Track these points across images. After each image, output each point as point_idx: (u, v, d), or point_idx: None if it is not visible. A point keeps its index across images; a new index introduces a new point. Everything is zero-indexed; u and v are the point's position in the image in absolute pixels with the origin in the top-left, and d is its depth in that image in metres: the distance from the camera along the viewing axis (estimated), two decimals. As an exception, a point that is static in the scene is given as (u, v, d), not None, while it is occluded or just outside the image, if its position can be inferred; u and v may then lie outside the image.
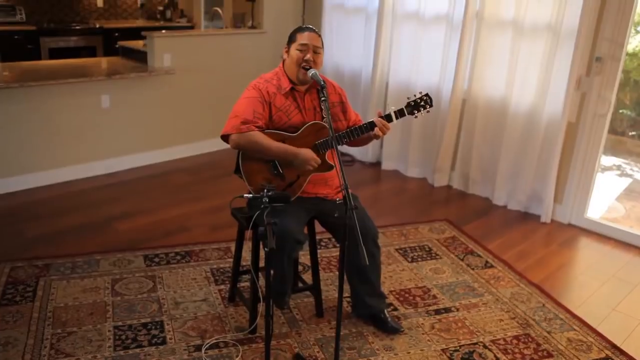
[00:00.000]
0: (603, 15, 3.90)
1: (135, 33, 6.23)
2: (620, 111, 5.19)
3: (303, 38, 2.53)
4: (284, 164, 2.55)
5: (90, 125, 4.74)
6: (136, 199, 4.44)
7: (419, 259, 3.68)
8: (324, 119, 2.61)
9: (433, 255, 3.75)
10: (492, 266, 3.63)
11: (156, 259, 3.50)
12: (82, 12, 7.21)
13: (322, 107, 2.38)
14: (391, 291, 3.27)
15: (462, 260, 3.70)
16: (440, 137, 4.97)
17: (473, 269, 3.58)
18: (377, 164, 5.57)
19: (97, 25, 6.95)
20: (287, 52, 2.60)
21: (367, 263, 2.04)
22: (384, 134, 2.59)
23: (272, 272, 2.54)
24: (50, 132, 4.51)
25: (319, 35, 2.59)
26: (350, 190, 2.08)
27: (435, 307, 3.14)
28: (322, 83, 2.38)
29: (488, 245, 3.93)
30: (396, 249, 3.80)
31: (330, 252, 3.71)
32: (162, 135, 5.24)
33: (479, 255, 3.77)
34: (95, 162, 4.84)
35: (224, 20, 6.21)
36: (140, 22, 7.51)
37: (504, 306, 3.17)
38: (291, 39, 2.59)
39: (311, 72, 2.47)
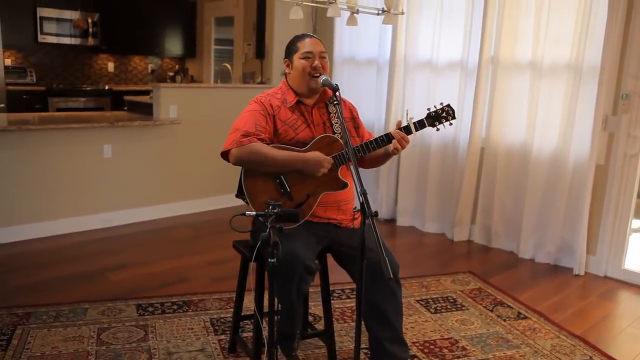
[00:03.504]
0: (626, 50, 3.73)
1: (143, 95, 6.18)
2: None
3: (305, 46, 2.34)
4: (293, 181, 2.27)
5: (90, 176, 4.52)
6: (133, 251, 4.13)
7: (443, 310, 3.29)
8: (336, 134, 2.36)
9: (458, 306, 3.36)
10: (525, 317, 3.23)
11: (150, 308, 3.14)
12: (92, 76, 7.25)
13: (336, 109, 2.14)
14: (414, 342, 2.87)
15: (492, 311, 3.30)
16: (459, 188, 4.69)
17: (505, 320, 3.18)
18: (391, 221, 5.25)
19: (106, 87, 6.95)
20: (289, 65, 2.39)
21: (391, 276, 1.71)
22: (402, 148, 2.32)
23: (276, 317, 2.20)
24: (47, 182, 4.29)
25: (321, 40, 2.40)
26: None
27: (465, 359, 2.72)
28: (335, 86, 2.15)
29: (518, 297, 3.54)
30: (417, 300, 3.42)
31: (344, 303, 3.34)
32: (165, 190, 5.00)
33: (509, 307, 3.37)
34: (93, 215, 4.57)
35: (233, 78, 6.16)
36: (150, 87, 7.52)
37: (545, 359, 2.75)
38: (291, 50, 2.38)
39: (322, 77, 2.25)
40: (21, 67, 6.55)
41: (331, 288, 2.73)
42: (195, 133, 5.08)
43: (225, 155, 2.32)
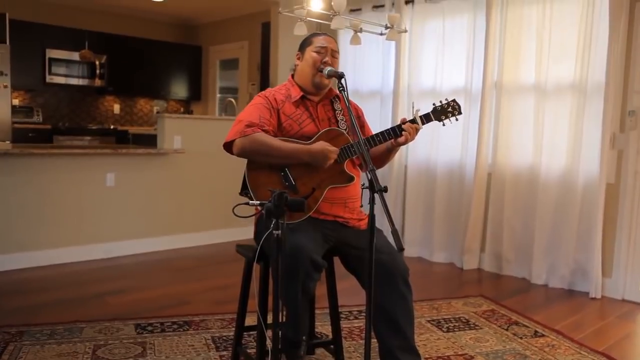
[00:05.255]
0: (630, 67, 3.74)
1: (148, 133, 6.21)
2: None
3: (320, 41, 2.33)
4: (297, 173, 2.21)
5: (92, 204, 4.46)
6: (133, 278, 4.02)
7: (456, 329, 3.14)
8: (342, 129, 2.32)
9: (472, 325, 3.21)
10: (543, 335, 3.07)
11: (149, 327, 3.01)
12: (98, 117, 7.32)
13: (343, 97, 2.09)
14: (427, 358, 2.72)
15: (507, 330, 3.15)
16: (467, 216, 4.60)
17: (521, 338, 3.02)
18: (398, 252, 5.12)
19: (112, 127, 7.00)
20: (300, 58, 2.38)
21: (403, 246, 1.61)
22: (411, 138, 2.27)
23: (280, 329, 2.08)
24: (48, 209, 4.23)
25: (336, 41, 2.39)
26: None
27: (482, 372, 2.57)
28: (341, 73, 2.12)
29: (533, 317, 3.38)
30: (428, 320, 3.27)
31: (351, 323, 3.20)
32: (168, 221, 4.92)
33: (525, 326, 3.22)
34: (94, 245, 4.48)
35: (238, 112, 6.20)
36: (154, 127, 7.58)
37: (567, 372, 2.59)
38: (305, 44, 2.38)
39: (327, 69, 2.22)
40: (28, 106, 6.62)
41: (339, 310, 2.63)
42: (199, 164, 5.06)
43: (228, 147, 2.27)
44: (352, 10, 5.30)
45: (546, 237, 4.15)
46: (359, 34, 3.52)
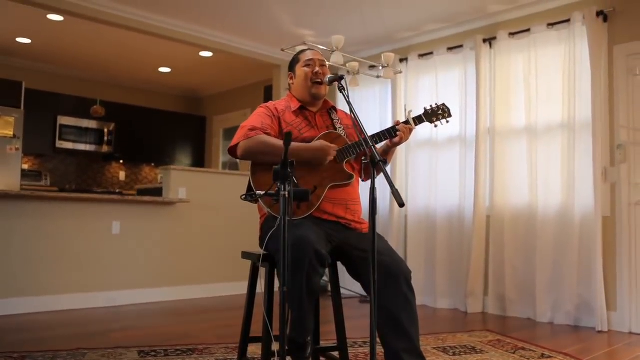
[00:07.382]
0: (614, 103, 3.94)
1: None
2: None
3: (307, 55, 2.51)
4: (299, 173, 2.31)
5: (97, 252, 4.51)
6: (137, 320, 4.01)
7: (462, 354, 3.11)
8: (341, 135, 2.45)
9: (478, 351, 3.18)
10: (550, 357, 3.04)
11: (153, 353, 2.98)
12: (104, 183, 7.49)
13: (342, 95, 2.24)
14: (433, 374, 2.69)
15: (514, 353, 3.11)
16: (468, 260, 4.64)
17: (529, 359, 2.99)
18: (402, 302, 5.08)
19: (117, 190, 7.15)
20: (292, 77, 2.55)
21: (404, 203, 1.69)
22: (406, 138, 2.40)
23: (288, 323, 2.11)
24: (52, 254, 4.28)
25: (321, 53, 2.58)
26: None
27: (490, 382, 2.53)
28: (340, 75, 2.29)
29: (540, 344, 3.35)
30: (433, 348, 3.24)
31: (356, 350, 3.16)
32: (172, 272, 4.94)
33: (532, 350, 3.18)
34: (97, 293, 4.48)
35: (241, 169, 6.38)
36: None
37: (576, 382, 2.56)
38: (294, 62, 2.56)
39: (327, 77, 2.40)
40: (37, 171, 6.81)
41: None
42: (203, 215, 5.15)
43: (233, 152, 2.39)
44: (348, 72, 5.61)
45: (548, 274, 4.17)
46: (356, 76, 3.76)
